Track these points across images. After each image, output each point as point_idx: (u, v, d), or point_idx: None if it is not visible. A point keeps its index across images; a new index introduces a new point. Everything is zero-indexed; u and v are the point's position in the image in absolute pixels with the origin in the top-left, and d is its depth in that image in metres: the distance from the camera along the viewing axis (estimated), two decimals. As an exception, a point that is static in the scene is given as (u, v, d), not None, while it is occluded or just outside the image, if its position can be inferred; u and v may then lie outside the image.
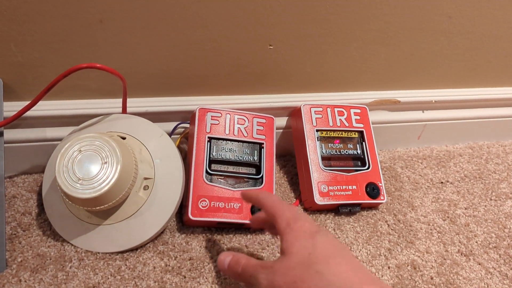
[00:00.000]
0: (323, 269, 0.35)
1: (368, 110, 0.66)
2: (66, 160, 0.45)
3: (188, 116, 0.61)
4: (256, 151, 0.58)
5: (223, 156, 0.57)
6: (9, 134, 0.55)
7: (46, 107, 0.55)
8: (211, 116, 0.58)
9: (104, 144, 0.46)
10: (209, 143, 0.56)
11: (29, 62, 0.51)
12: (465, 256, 0.58)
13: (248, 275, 0.39)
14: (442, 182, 0.70)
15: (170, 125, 0.61)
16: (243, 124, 0.59)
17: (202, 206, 0.53)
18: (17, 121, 0.51)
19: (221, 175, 0.56)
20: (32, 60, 0.51)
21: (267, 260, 0.48)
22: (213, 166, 0.56)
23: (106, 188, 0.45)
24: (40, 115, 0.55)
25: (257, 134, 0.59)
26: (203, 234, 0.55)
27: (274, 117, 0.62)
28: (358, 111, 0.65)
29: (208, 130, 0.57)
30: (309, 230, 0.39)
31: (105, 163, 0.45)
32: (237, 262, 0.41)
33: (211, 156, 0.56)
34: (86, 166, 0.45)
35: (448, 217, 0.63)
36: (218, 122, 0.58)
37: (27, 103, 0.50)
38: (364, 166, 0.62)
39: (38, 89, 0.50)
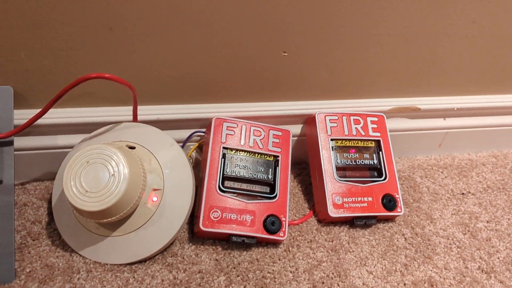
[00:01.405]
0: None
1: (385, 118, 0.63)
2: (74, 172, 0.45)
3: (201, 124, 0.60)
4: (271, 169, 0.57)
5: (237, 173, 0.55)
6: (20, 141, 0.55)
7: (56, 115, 0.55)
8: (227, 126, 0.57)
9: (111, 155, 0.45)
10: (223, 154, 0.55)
11: (39, 70, 0.50)
12: (486, 273, 0.55)
13: None
14: (463, 193, 0.67)
15: (184, 133, 0.60)
16: (259, 136, 0.57)
17: (213, 217, 0.52)
18: (28, 128, 0.51)
19: (234, 192, 0.54)
20: (42, 68, 0.50)
21: None
22: (227, 181, 0.55)
23: (113, 201, 0.44)
24: (50, 123, 0.55)
25: (272, 146, 0.58)
26: (214, 247, 0.54)
27: (290, 130, 0.60)
28: (375, 119, 0.63)
29: (223, 140, 0.56)
30: None
31: (112, 175, 0.45)
32: None
33: (225, 172, 0.55)
34: (93, 178, 0.44)
35: (468, 230, 0.60)
36: (233, 132, 0.57)
37: (37, 111, 0.50)
38: (381, 176, 0.60)
39: (48, 97, 0.49)
